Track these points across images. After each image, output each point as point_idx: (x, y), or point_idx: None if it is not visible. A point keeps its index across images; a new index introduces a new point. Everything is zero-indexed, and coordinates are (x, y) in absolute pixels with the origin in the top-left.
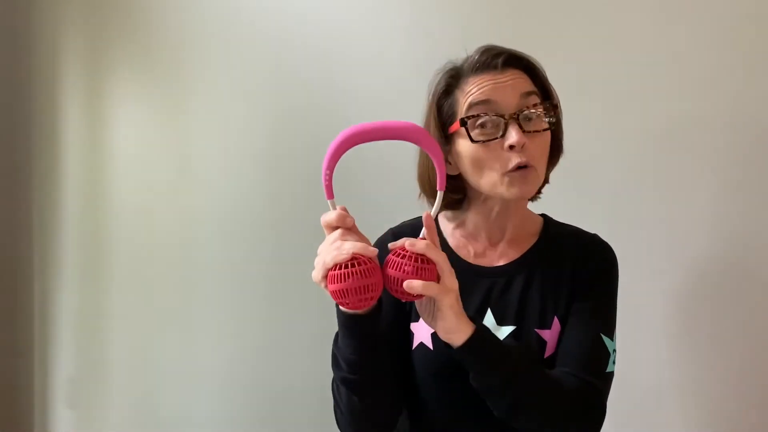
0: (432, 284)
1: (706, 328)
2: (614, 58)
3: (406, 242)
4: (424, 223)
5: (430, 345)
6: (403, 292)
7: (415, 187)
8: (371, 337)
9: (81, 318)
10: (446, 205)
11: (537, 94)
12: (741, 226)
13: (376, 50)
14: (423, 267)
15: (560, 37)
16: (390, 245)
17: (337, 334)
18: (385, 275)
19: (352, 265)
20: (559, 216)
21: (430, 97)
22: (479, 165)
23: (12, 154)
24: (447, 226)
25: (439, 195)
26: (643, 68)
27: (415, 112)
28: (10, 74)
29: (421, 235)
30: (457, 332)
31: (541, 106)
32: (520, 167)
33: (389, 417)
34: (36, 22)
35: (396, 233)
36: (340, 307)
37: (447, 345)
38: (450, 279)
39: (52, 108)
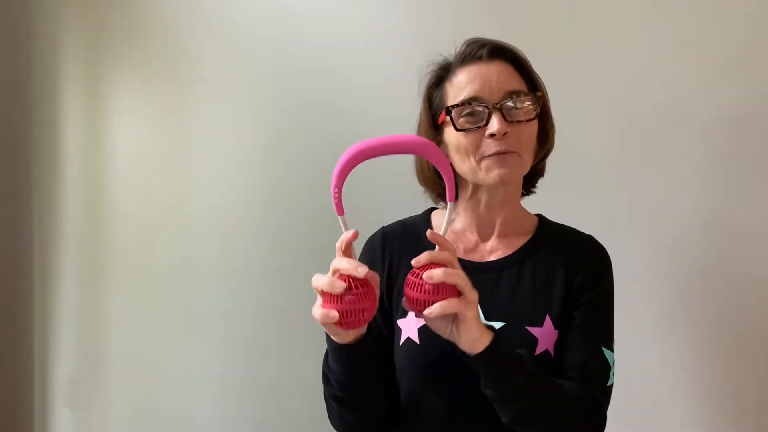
0: (452, 301)
1: (701, 325)
2: (603, 54)
3: (424, 273)
4: (432, 241)
5: (416, 340)
6: (421, 310)
7: (412, 183)
8: (359, 362)
9: (81, 318)
10: (438, 195)
11: (522, 85)
12: (730, 221)
13: (376, 48)
14: (440, 286)
15: (552, 34)
16: (413, 261)
17: (327, 354)
18: (406, 296)
19: (348, 289)
20: (546, 215)
21: (422, 89)
22: (461, 151)
23: (12, 154)
24: (438, 223)
25: (449, 206)
26: (633, 63)
27: (414, 110)
28: (10, 74)
29: (437, 249)
30: (480, 341)
31: (526, 97)
32: (499, 153)
33: (380, 421)
34: (36, 22)
35: (387, 232)
36: (328, 334)
37: (463, 354)
38: (471, 293)
39: (52, 108)
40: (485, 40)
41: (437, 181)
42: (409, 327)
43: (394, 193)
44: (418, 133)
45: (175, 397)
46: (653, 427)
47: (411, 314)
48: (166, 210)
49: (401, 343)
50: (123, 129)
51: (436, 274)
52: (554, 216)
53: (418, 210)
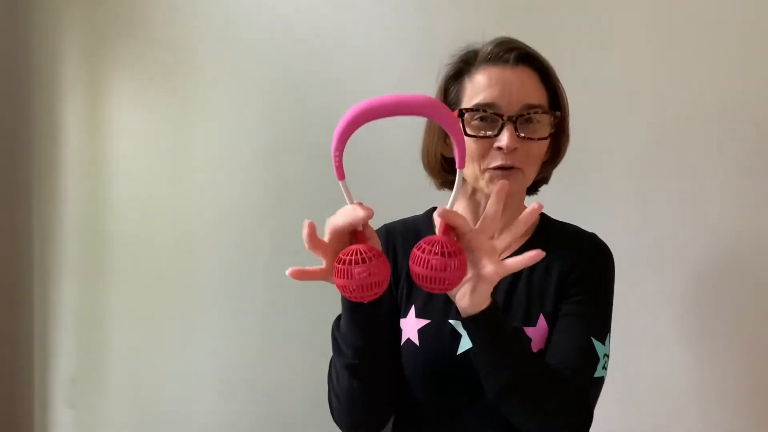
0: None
1: (714, 328)
2: (617, 56)
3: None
4: (442, 217)
5: (416, 341)
6: (432, 287)
7: (415, 183)
8: (374, 323)
9: (81, 318)
10: (442, 184)
11: (543, 99)
12: (746, 225)
13: (377, 48)
14: (449, 261)
15: (562, 35)
16: (437, 212)
17: (337, 320)
18: (411, 271)
19: (358, 262)
20: (561, 215)
21: (440, 77)
22: (467, 155)
23: (12, 154)
24: (439, 223)
25: (459, 174)
26: (645, 66)
27: None
28: (10, 74)
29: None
30: (482, 304)
31: (544, 114)
32: (504, 168)
33: (384, 406)
34: (36, 22)
35: (390, 228)
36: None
37: (456, 314)
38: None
39: (52, 108)
40: (515, 43)
41: (442, 171)
42: (409, 328)
43: (393, 193)
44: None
45: (175, 397)
46: (663, 427)
47: (411, 314)
48: (166, 210)
49: (402, 343)
50: (123, 129)
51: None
52: (572, 213)
53: (419, 210)
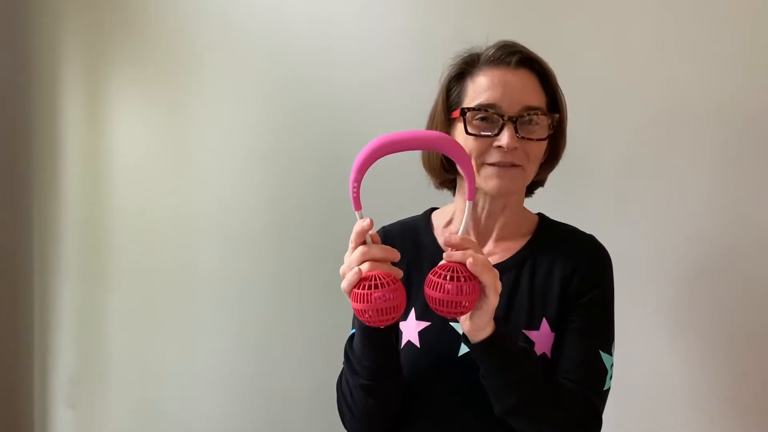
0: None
1: (706, 326)
2: (608, 55)
3: (467, 260)
4: (448, 245)
5: (417, 343)
6: (448, 312)
7: (418, 184)
8: (388, 345)
9: (81, 318)
10: (441, 183)
11: (543, 102)
12: (738, 222)
13: (378, 48)
14: (463, 286)
15: (556, 35)
16: (445, 256)
17: (350, 340)
18: (426, 296)
19: (376, 286)
20: (555, 214)
21: (443, 78)
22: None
23: (12, 154)
24: (438, 224)
25: (468, 205)
26: (639, 63)
27: (417, 109)
28: (10, 74)
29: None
30: (486, 328)
31: (543, 116)
32: (504, 165)
33: (396, 414)
34: (36, 22)
35: (388, 231)
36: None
37: (464, 338)
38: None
39: (52, 108)
40: (517, 47)
41: (442, 170)
42: (409, 330)
43: (393, 193)
44: (431, 120)
45: (174, 397)
46: (658, 428)
47: (411, 317)
48: (166, 210)
49: (402, 346)
50: (123, 129)
51: (483, 270)
52: (562, 215)
53: (418, 210)
